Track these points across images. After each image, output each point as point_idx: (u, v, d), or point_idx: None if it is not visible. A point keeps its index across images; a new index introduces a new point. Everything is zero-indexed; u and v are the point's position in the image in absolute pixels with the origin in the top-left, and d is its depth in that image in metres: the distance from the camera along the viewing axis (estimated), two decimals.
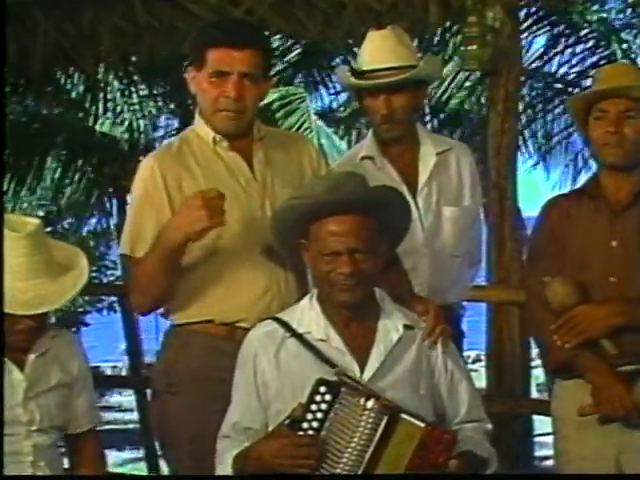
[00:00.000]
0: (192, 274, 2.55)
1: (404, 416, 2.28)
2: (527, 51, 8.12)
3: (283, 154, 2.64)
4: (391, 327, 2.41)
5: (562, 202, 2.79)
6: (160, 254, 2.44)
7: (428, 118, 8.53)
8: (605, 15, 8.42)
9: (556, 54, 8.64)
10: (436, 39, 7.86)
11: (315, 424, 2.26)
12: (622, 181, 2.66)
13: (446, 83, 8.46)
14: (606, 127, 2.61)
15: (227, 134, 2.56)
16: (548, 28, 8.43)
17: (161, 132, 9.26)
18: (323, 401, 2.26)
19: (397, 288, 2.59)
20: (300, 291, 2.58)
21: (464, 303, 3.33)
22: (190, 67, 2.58)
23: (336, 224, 2.33)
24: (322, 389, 2.27)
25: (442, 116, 8.78)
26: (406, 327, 2.43)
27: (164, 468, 2.82)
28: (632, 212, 2.65)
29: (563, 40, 8.51)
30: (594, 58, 8.54)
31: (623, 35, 8.42)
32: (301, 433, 2.26)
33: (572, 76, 8.54)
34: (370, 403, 2.27)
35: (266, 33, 2.75)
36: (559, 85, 8.58)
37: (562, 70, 8.68)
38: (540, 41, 8.52)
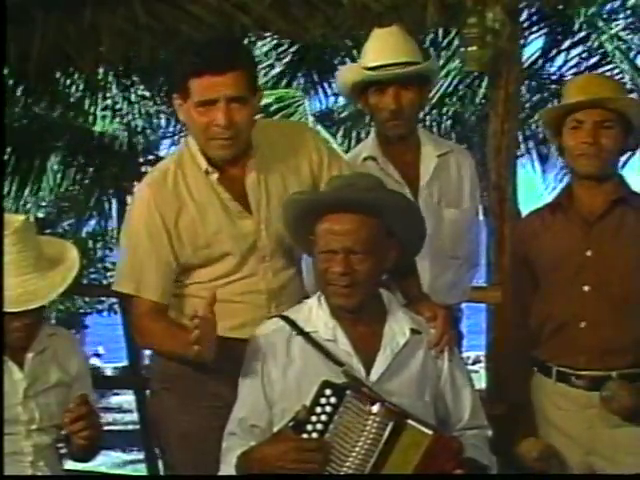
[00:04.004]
0: (185, 289, 2.57)
1: (411, 422, 2.27)
2: (525, 53, 8.12)
3: (279, 166, 2.59)
4: (398, 331, 2.41)
5: (531, 220, 2.84)
6: (173, 350, 2.48)
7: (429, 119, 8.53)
8: (604, 15, 8.42)
9: (554, 56, 8.64)
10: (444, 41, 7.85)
11: (319, 427, 2.26)
12: (595, 190, 2.69)
13: (446, 84, 8.45)
14: (583, 138, 2.64)
15: (222, 160, 2.52)
16: (547, 30, 8.43)
17: (160, 132, 9.27)
18: (328, 404, 2.26)
19: (407, 288, 2.61)
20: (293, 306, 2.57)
21: (462, 306, 3.34)
22: (175, 95, 2.51)
23: (336, 222, 2.33)
24: (327, 392, 2.26)
25: (443, 117, 8.79)
26: (413, 331, 2.43)
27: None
28: (607, 221, 2.68)
29: (561, 41, 8.51)
30: (593, 60, 8.54)
31: (622, 35, 8.41)
32: (305, 436, 2.25)
33: (570, 78, 8.53)
34: (376, 407, 2.26)
35: (248, 51, 2.64)
36: (557, 87, 8.57)
37: (560, 72, 8.68)
38: (538, 43, 8.53)
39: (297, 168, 2.61)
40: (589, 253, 2.67)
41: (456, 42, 7.33)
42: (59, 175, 8.48)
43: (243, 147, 2.52)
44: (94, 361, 15.65)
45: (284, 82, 9.07)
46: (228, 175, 2.54)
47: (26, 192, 8.29)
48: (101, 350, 15.93)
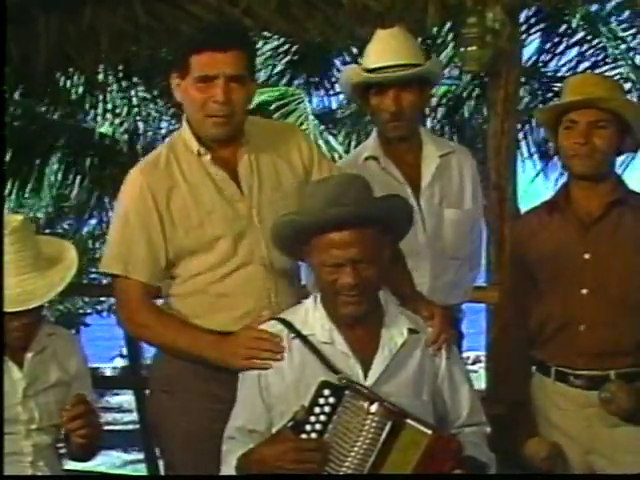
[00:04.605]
0: (184, 284, 2.56)
1: (410, 422, 2.27)
2: (525, 53, 8.11)
3: (271, 153, 2.59)
4: (395, 331, 2.40)
5: (529, 219, 2.84)
6: (189, 350, 2.48)
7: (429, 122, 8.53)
8: (603, 15, 8.42)
9: (554, 56, 8.63)
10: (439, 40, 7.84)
11: (318, 427, 2.25)
12: (591, 191, 2.69)
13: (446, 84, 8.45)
14: (576, 138, 2.63)
15: (216, 139, 2.52)
16: (546, 30, 8.42)
17: (161, 133, 9.26)
18: (327, 404, 2.26)
19: (400, 287, 2.58)
20: (291, 298, 2.58)
21: (463, 306, 3.33)
22: (174, 74, 2.52)
23: (337, 237, 2.30)
24: (326, 392, 2.26)
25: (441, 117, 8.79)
26: (410, 331, 2.42)
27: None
28: (604, 224, 2.67)
29: (560, 41, 8.50)
30: (592, 60, 8.53)
31: (620, 35, 8.40)
32: (304, 436, 2.25)
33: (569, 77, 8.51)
34: (374, 407, 2.26)
35: (249, 34, 2.69)
36: (557, 87, 8.56)
37: (559, 72, 8.67)
38: (537, 43, 8.53)
39: (288, 158, 2.62)
40: (587, 256, 2.66)
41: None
42: (59, 175, 8.48)
43: (236, 130, 2.53)
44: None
45: (284, 81, 9.07)
46: (220, 157, 2.55)
47: (27, 192, 8.29)
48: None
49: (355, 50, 7.55)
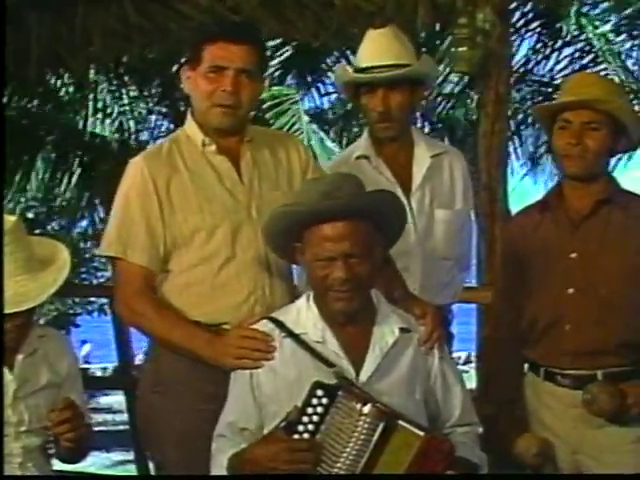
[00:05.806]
0: (178, 277, 2.56)
1: (402, 423, 2.26)
2: (515, 54, 8.12)
3: (271, 155, 2.65)
4: (387, 330, 2.40)
5: (521, 219, 2.85)
6: (182, 345, 2.48)
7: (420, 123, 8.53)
8: (594, 18, 8.44)
9: (544, 57, 8.65)
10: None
11: (311, 427, 2.25)
12: (583, 191, 2.69)
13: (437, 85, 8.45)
14: (568, 138, 2.63)
15: (220, 129, 2.56)
16: (537, 31, 8.45)
17: (152, 133, 9.25)
18: (320, 404, 2.25)
19: (391, 288, 2.58)
20: (284, 295, 2.59)
21: (453, 308, 3.33)
22: (185, 67, 2.58)
23: (330, 229, 2.31)
24: (319, 392, 2.26)
25: (433, 118, 8.80)
26: (402, 330, 2.42)
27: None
28: (592, 222, 2.67)
29: (551, 43, 8.52)
30: (583, 61, 8.56)
31: (611, 37, 8.43)
32: (297, 437, 2.25)
33: (559, 80, 8.54)
34: (367, 408, 2.25)
35: (261, 36, 2.79)
36: (548, 89, 8.58)
37: (550, 73, 8.69)
38: (528, 44, 8.55)
39: (288, 162, 2.67)
40: (573, 255, 2.66)
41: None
42: (47, 175, 8.46)
43: (241, 123, 2.58)
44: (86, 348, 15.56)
45: (276, 81, 9.07)
46: (224, 147, 2.59)
47: (13, 190, 8.26)
48: None
49: (348, 50, 7.56)
